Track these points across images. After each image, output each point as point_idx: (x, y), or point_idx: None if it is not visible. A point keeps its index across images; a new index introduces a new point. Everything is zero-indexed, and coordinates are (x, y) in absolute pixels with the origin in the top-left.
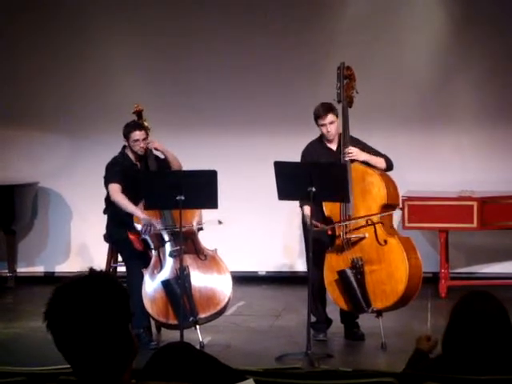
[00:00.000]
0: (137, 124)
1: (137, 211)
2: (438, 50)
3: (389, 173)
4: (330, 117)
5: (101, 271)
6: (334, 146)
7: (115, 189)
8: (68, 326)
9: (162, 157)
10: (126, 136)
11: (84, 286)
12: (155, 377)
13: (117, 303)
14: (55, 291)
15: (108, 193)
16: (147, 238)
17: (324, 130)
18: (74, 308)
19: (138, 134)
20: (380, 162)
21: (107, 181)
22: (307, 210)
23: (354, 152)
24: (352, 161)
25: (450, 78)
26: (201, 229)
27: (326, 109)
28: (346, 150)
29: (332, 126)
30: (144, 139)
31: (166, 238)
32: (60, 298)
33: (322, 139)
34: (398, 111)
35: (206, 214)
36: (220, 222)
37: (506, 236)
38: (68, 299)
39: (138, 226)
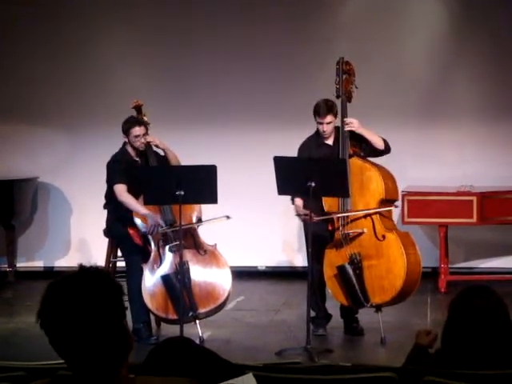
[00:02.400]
0: (136, 119)
1: (144, 210)
2: (437, 45)
3: (389, 167)
4: (329, 117)
5: (91, 266)
6: (330, 141)
7: (121, 189)
8: (62, 325)
9: (162, 154)
10: (126, 132)
11: (75, 282)
12: (155, 371)
13: (109, 298)
14: (47, 290)
15: (108, 190)
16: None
17: (320, 127)
18: (67, 306)
19: (137, 130)
20: (378, 140)
21: (111, 181)
22: (298, 201)
23: (353, 123)
24: (351, 156)
25: (450, 74)
26: (200, 223)
27: (326, 109)
28: (345, 119)
29: (329, 125)
30: (144, 134)
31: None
32: (52, 296)
33: (318, 134)
34: (397, 107)
35: (205, 209)
36: (228, 217)
37: (505, 231)
38: (60, 297)
39: (138, 221)
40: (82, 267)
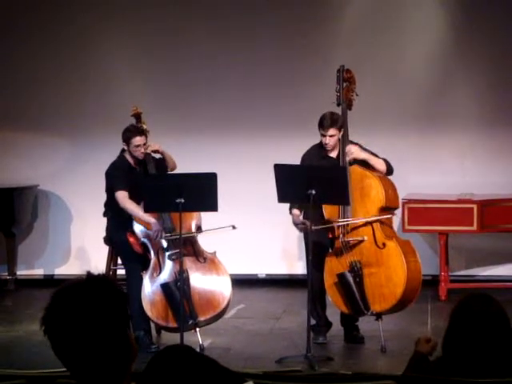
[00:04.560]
0: (137, 129)
1: (147, 217)
2: (438, 52)
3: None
4: (332, 131)
5: (98, 274)
6: (334, 154)
7: (123, 196)
8: (66, 331)
9: (158, 156)
10: (127, 141)
11: (82, 289)
12: (155, 380)
13: (115, 307)
14: (53, 296)
15: (108, 198)
16: (146, 240)
17: (323, 139)
18: (72, 312)
19: (138, 140)
20: (380, 163)
21: (113, 189)
22: (296, 211)
23: (352, 151)
24: (351, 164)
25: (450, 81)
26: (199, 230)
27: (330, 122)
28: (346, 149)
29: (331, 138)
30: (144, 144)
31: (165, 241)
32: (58, 302)
33: (322, 145)
34: (397, 114)
35: (205, 217)
36: (234, 227)
37: (505, 239)
38: (66, 304)
39: (138, 229)
40: (89, 275)
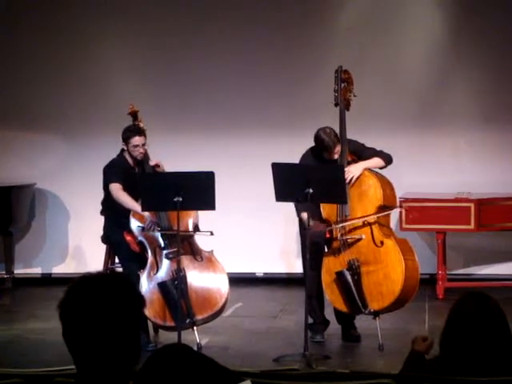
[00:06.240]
0: (137, 129)
1: (139, 208)
2: (435, 52)
3: (387, 174)
4: (338, 147)
5: (122, 274)
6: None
7: (117, 187)
8: (82, 320)
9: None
10: (126, 141)
11: (105, 282)
12: (152, 379)
13: (133, 307)
14: (74, 284)
15: (106, 196)
16: (143, 239)
17: (330, 158)
18: (92, 303)
19: (137, 140)
20: (378, 162)
21: (107, 181)
22: (305, 214)
23: (351, 174)
24: (349, 163)
25: (448, 80)
26: (197, 229)
27: (332, 142)
28: (346, 173)
29: (338, 153)
30: (143, 144)
31: (162, 239)
32: (78, 290)
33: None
34: (395, 113)
35: (202, 215)
36: (212, 234)
37: (503, 237)
38: (87, 293)
39: (135, 225)
40: (112, 271)
